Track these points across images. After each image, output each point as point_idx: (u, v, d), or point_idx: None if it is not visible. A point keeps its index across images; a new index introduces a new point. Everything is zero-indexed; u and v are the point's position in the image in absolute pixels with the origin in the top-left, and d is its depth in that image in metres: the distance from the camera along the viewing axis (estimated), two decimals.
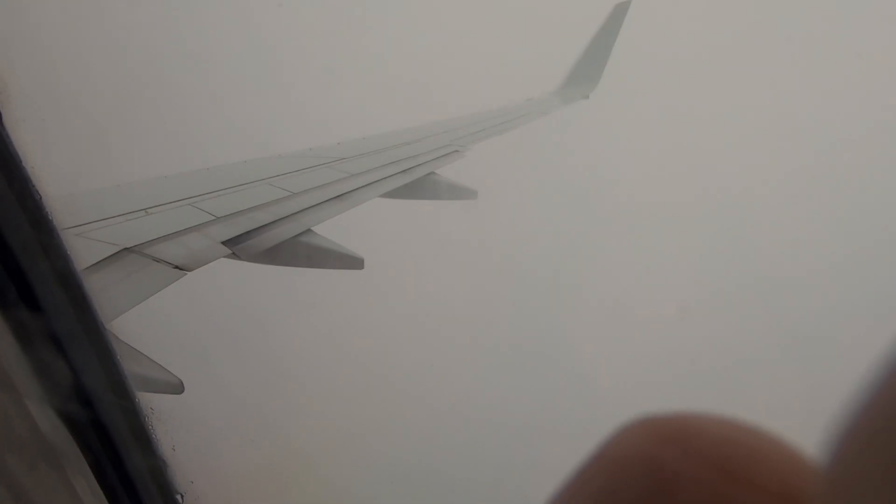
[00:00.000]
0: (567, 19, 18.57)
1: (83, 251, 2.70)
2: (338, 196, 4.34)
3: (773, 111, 20.79)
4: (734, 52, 22.46)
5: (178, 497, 1.53)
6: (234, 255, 3.26)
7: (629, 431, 0.36)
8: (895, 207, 17.45)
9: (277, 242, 3.56)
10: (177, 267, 2.85)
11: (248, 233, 3.45)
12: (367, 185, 4.68)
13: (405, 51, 20.41)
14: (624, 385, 13.66)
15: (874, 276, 15.94)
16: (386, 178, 4.95)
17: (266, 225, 3.61)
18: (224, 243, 3.25)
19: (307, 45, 19.61)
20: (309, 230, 3.83)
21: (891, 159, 18.18)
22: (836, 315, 14.76)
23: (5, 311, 1.11)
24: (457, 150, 6.27)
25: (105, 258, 2.76)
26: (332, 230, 3.96)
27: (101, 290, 2.51)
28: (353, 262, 3.90)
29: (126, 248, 2.88)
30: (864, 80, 19.99)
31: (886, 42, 19.90)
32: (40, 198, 1.19)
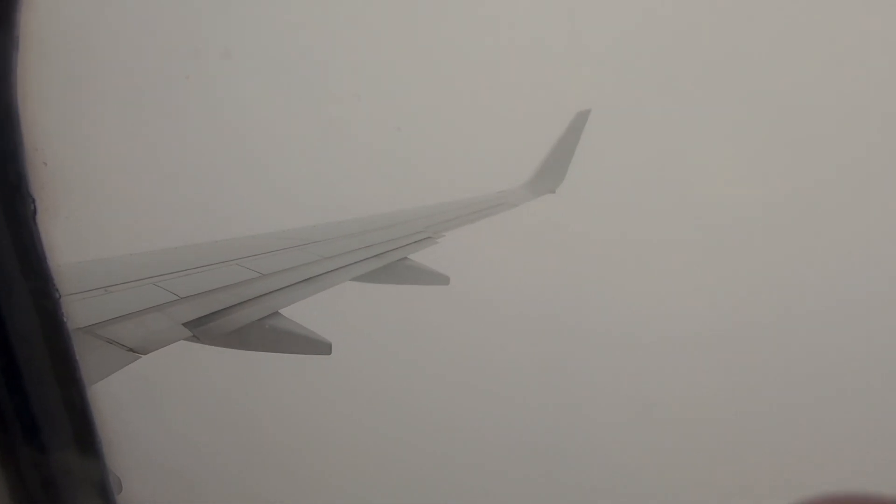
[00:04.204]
0: (535, 120, 19.99)
1: None
2: (308, 279, 4.26)
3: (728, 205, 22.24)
4: (688, 151, 24.41)
5: None
6: (195, 338, 3.10)
7: None
8: None
9: (242, 325, 3.41)
10: (130, 349, 2.68)
11: (211, 314, 3.30)
12: (339, 269, 4.63)
13: (382, 139, 21.38)
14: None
15: None
16: (358, 261, 4.93)
17: (231, 306, 3.48)
18: (185, 325, 3.10)
19: (283, 128, 20.37)
20: (276, 313, 3.70)
21: None
22: None
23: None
24: (430, 237, 6.34)
25: None
26: (301, 314, 3.85)
27: None
28: (320, 347, 3.74)
29: (78, 329, 2.71)
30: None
31: None
32: (59, 297, 1.16)
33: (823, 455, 12.95)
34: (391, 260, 5.29)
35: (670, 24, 25.28)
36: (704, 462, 13.42)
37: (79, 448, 1.22)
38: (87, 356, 2.67)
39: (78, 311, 2.89)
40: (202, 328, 3.18)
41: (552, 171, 11.59)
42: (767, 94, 24.20)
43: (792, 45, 25.20)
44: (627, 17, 25.93)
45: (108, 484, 1.29)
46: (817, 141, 23.37)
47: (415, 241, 5.97)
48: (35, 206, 1.10)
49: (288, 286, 4.01)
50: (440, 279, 5.74)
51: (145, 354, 2.72)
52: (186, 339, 3.07)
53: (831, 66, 24.26)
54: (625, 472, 13.89)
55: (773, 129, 23.74)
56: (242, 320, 3.43)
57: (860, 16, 22.99)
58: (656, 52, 25.58)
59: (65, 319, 1.19)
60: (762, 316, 18.29)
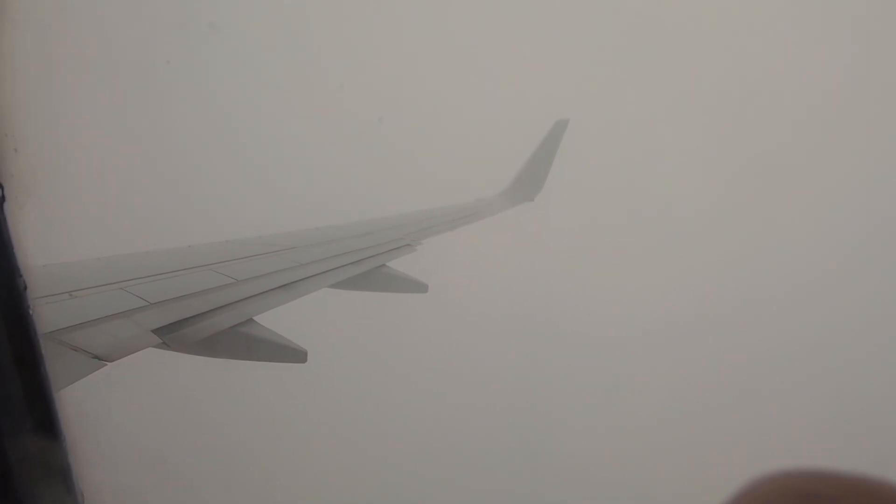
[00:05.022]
0: (513, 128, 20.22)
1: None
2: (284, 285, 4.18)
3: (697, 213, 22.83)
4: (664, 156, 25.03)
5: None
6: (165, 345, 3.00)
7: (762, 487, 0.36)
8: None
9: (214, 332, 3.32)
10: (96, 357, 2.57)
11: (182, 321, 3.21)
12: (316, 275, 4.56)
13: (361, 145, 21.33)
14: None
15: None
16: (336, 268, 4.86)
17: (204, 313, 3.39)
18: (154, 332, 3.00)
19: (263, 133, 20.17)
20: (250, 320, 3.62)
21: None
22: None
23: None
24: (408, 245, 6.31)
25: None
26: (276, 321, 3.77)
27: None
28: (295, 356, 3.67)
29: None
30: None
31: None
32: (25, 287, 1.14)
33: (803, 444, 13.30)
34: (369, 267, 5.25)
35: (650, 34, 25.94)
36: (686, 462, 13.59)
37: (42, 437, 1.19)
38: (49, 363, 2.55)
39: (41, 316, 2.77)
40: (172, 335, 3.08)
41: (530, 179, 11.68)
42: (745, 100, 25.02)
43: (767, 55, 26.10)
44: (609, 26, 26.52)
45: (70, 475, 1.24)
46: (791, 142, 24.20)
47: (393, 249, 5.93)
48: (3, 195, 1.06)
49: (263, 293, 3.93)
50: (418, 287, 5.71)
51: (111, 362, 2.63)
52: (155, 346, 2.98)
53: (806, 71, 25.16)
54: (607, 475, 13.99)
55: (749, 136, 24.52)
56: (215, 327, 3.34)
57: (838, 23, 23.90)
58: (635, 61, 26.19)
59: (30, 310, 1.16)
60: (743, 313, 18.77)
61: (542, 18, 27.50)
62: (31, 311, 1.17)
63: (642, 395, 16.03)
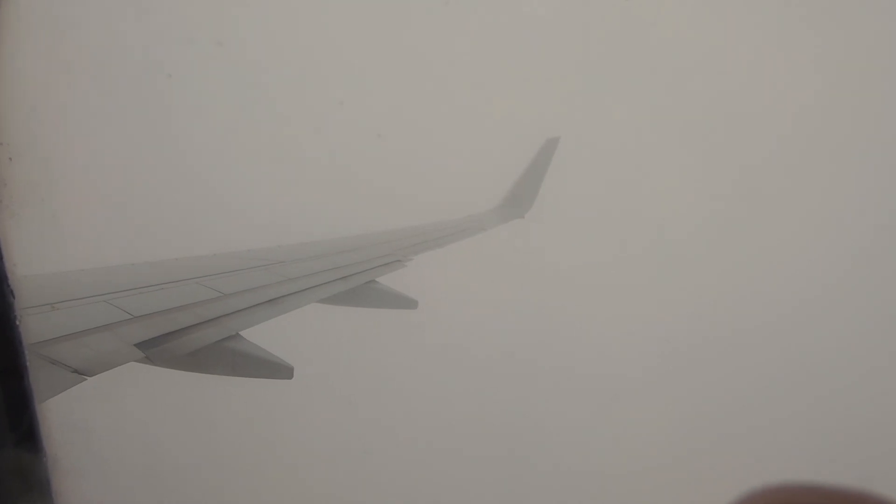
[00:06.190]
0: (506, 145, 20.39)
1: None
2: (272, 300, 4.14)
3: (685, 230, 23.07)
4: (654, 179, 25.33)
5: None
6: (147, 360, 2.94)
7: (755, 501, 0.38)
8: None
9: (199, 347, 3.27)
10: (75, 371, 2.52)
11: (166, 335, 3.15)
12: (304, 290, 4.52)
13: (352, 162, 21.39)
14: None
15: None
16: (325, 283, 4.83)
17: (188, 327, 3.34)
18: (137, 346, 2.94)
19: (251, 146, 20.20)
20: (236, 335, 3.57)
21: None
22: None
23: None
24: (398, 261, 6.29)
25: None
26: (262, 336, 3.72)
27: None
28: (281, 371, 3.61)
29: None
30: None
31: None
32: (14, 299, 1.12)
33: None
34: (358, 283, 5.21)
35: (642, 53, 26.43)
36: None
37: (23, 451, 1.18)
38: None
39: (26, 328, 2.71)
40: (156, 349, 3.03)
41: (522, 196, 11.78)
42: (738, 118, 25.48)
43: (755, 73, 26.67)
44: (602, 44, 27.01)
45: (50, 490, 1.23)
46: (785, 159, 24.59)
47: (383, 264, 5.91)
48: None
49: (250, 307, 3.89)
50: (408, 303, 5.67)
51: (91, 376, 2.57)
52: (137, 360, 2.92)
53: (795, 85, 25.70)
54: (597, 488, 13.81)
55: (742, 154, 24.93)
56: (200, 342, 3.29)
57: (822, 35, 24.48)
58: (626, 79, 26.65)
59: (17, 322, 1.15)
60: (735, 335, 18.83)
61: (536, 37, 27.97)
62: (17, 323, 1.16)
63: (636, 424, 15.89)
